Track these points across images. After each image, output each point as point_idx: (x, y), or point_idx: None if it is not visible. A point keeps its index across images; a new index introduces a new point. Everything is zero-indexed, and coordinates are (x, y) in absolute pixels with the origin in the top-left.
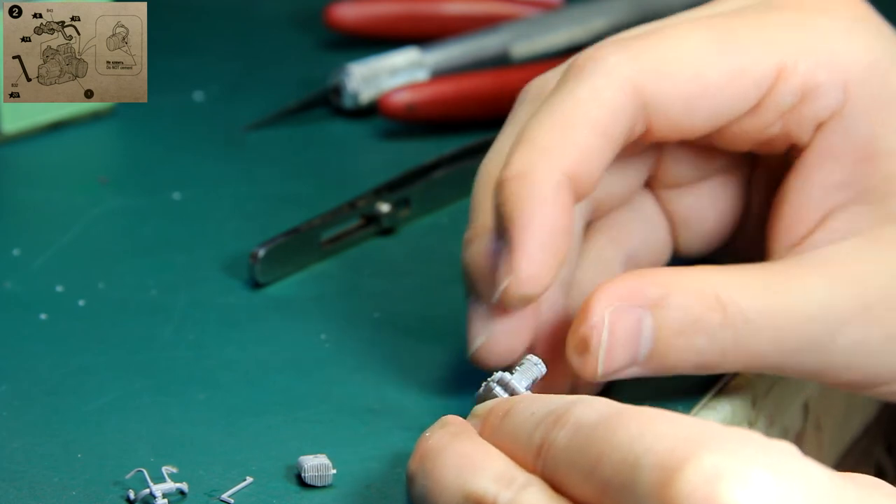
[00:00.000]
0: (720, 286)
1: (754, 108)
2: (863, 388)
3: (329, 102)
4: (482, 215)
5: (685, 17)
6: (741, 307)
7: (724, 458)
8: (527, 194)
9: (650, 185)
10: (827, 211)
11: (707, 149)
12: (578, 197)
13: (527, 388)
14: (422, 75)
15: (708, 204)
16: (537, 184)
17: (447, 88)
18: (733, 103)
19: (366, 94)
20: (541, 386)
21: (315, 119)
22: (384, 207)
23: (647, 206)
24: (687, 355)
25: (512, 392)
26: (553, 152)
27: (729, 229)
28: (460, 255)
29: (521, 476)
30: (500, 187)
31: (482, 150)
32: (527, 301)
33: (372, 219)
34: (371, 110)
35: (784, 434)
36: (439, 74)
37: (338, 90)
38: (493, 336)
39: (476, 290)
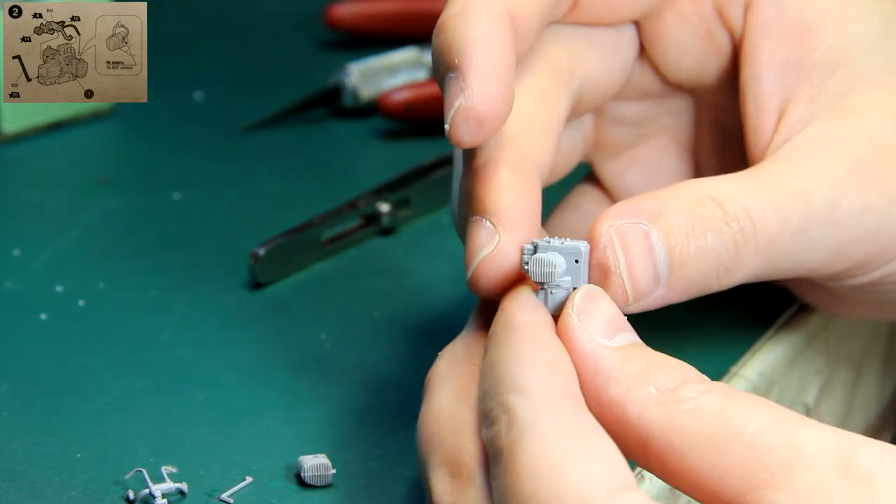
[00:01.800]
0: (709, 189)
1: None
2: (873, 266)
3: (329, 102)
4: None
5: None
6: (737, 199)
7: None
8: (470, 24)
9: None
10: (783, 97)
11: (650, 92)
12: (519, 41)
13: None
14: (421, 75)
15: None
16: (481, 13)
17: None
18: None
19: (365, 93)
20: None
21: (315, 119)
22: (384, 207)
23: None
24: (705, 258)
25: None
26: None
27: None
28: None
29: (468, 467)
30: (442, 26)
31: None
32: (480, 128)
33: (372, 219)
34: (371, 110)
35: None
36: None
37: (338, 90)
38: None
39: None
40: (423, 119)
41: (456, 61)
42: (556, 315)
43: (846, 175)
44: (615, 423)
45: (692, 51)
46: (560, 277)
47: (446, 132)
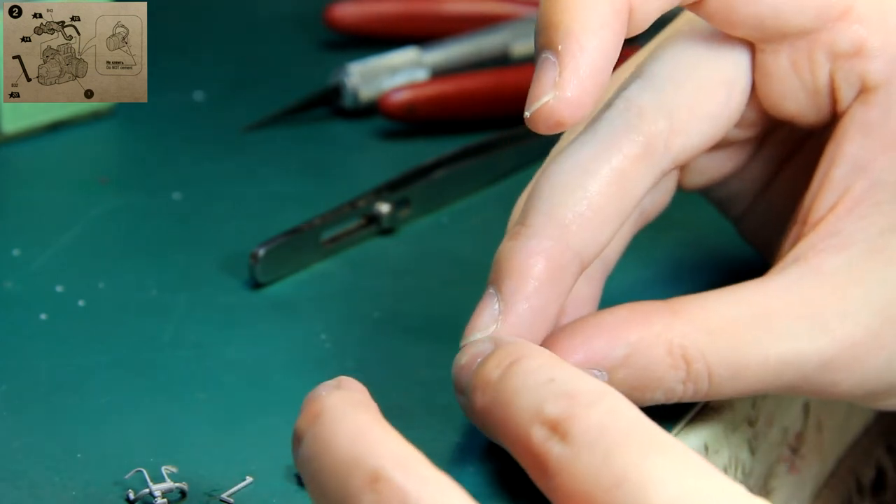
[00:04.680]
0: (689, 339)
1: (810, 33)
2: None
3: (329, 102)
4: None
5: None
6: (708, 363)
7: None
8: (587, 10)
9: None
10: (843, 193)
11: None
12: (630, 29)
13: None
14: (422, 75)
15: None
16: (602, 1)
17: (447, 88)
18: (795, 12)
19: (366, 94)
20: None
21: (315, 119)
22: (384, 207)
23: None
24: (639, 404)
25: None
26: None
27: (734, 166)
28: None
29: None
30: None
31: (482, 150)
32: (558, 127)
33: (372, 219)
34: (371, 110)
35: (784, 434)
36: (439, 74)
37: (338, 90)
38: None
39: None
40: (424, 119)
41: (559, 48)
42: None
43: (836, 353)
44: None
45: (795, 100)
46: None
47: (525, 116)
